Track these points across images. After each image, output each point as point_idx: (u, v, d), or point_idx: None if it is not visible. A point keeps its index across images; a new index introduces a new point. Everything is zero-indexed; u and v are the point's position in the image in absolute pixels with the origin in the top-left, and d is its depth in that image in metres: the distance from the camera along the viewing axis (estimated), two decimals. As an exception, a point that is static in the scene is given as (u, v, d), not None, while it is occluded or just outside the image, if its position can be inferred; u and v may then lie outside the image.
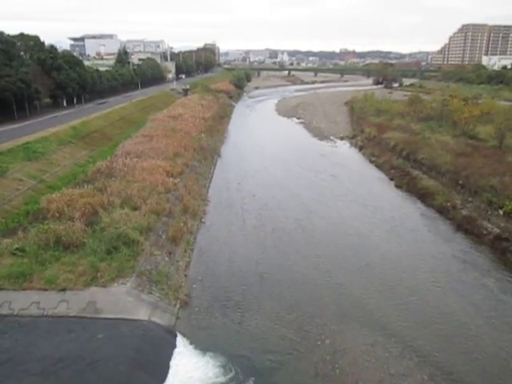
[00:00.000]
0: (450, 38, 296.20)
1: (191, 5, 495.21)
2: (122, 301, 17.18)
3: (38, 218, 23.20)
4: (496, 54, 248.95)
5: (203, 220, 29.78)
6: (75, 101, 68.88)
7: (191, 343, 16.43)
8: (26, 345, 14.67)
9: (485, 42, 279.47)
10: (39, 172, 31.95)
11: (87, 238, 20.95)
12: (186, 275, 21.77)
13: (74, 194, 25.59)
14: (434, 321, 18.51)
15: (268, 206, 32.86)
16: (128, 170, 32.11)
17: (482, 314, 19.12)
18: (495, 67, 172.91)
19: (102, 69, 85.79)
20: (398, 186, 38.09)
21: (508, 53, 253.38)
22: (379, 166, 44.60)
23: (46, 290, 17.33)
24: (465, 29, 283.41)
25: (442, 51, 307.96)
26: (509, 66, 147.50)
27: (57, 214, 22.90)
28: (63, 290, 17.35)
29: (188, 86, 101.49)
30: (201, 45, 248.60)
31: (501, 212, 27.07)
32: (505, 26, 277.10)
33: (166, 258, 22.04)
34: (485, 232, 26.72)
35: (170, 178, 31.47)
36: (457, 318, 18.75)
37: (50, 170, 33.29)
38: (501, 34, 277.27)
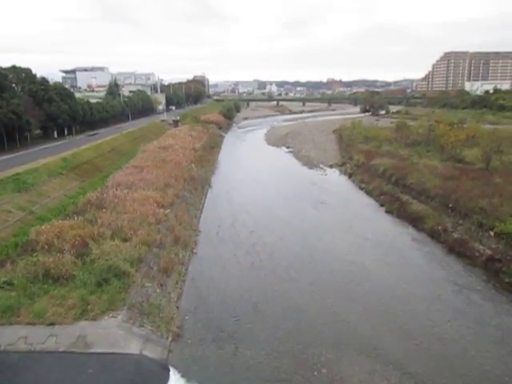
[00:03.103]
0: (434, 65, 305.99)
1: (181, 38, 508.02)
2: (113, 334, 16.75)
3: (27, 250, 22.82)
4: (478, 80, 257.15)
5: (195, 250, 29.50)
6: (66, 132, 69.13)
7: (184, 376, 15.97)
8: (13, 382, 14.14)
9: (467, 68, 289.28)
10: (29, 203, 31.64)
11: (77, 271, 20.60)
12: (177, 307, 21.36)
13: (64, 225, 25.30)
14: (431, 346, 18.28)
15: (259, 234, 32.71)
16: (119, 201, 31.93)
17: (480, 338, 18.94)
18: (478, 92, 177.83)
19: (92, 100, 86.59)
20: (388, 212, 38.29)
21: (490, 78, 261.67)
22: (369, 193, 44.90)
23: (34, 324, 16.85)
24: (447, 56, 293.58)
25: (426, 78, 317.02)
26: (491, 91, 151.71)
27: (46, 246, 22.55)
28: (52, 324, 16.89)
29: (178, 117, 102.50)
30: (190, 77, 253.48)
31: (492, 233, 27.24)
32: (485, 53, 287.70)
33: (158, 290, 21.67)
34: (477, 254, 26.81)
35: (161, 209, 31.31)
36: (455, 343, 18.55)
37: (40, 201, 33.00)
38: (481, 61, 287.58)
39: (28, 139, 58.21)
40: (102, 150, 55.73)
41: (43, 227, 25.17)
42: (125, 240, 24.71)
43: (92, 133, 73.49)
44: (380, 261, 27.67)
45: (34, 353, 15.61)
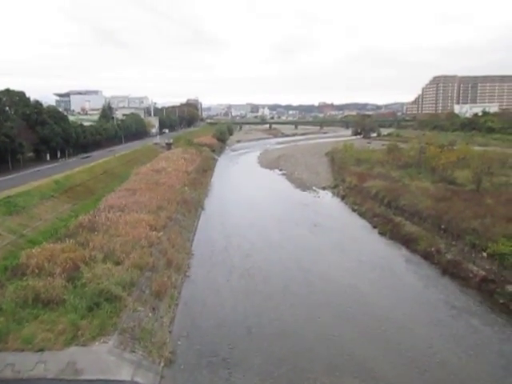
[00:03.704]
0: (423, 88, 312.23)
1: (175, 62, 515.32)
2: (104, 360, 16.36)
3: (17, 273, 22.43)
4: (467, 103, 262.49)
5: (188, 274, 29.20)
6: (59, 155, 69.08)
7: (177, 404, 15.59)
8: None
9: (455, 91, 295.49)
10: (20, 226, 31.29)
11: (68, 295, 20.22)
12: (170, 331, 20.99)
13: (55, 248, 24.99)
14: (427, 369, 18.04)
15: (254, 258, 32.48)
16: (111, 223, 31.69)
17: (478, 360, 18.77)
18: (467, 115, 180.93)
19: (86, 124, 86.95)
20: (381, 233, 38.33)
21: (478, 101, 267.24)
22: (362, 214, 45.01)
23: (22, 350, 16.44)
24: (436, 80, 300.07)
25: (416, 101, 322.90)
26: (480, 114, 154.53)
27: (36, 270, 22.20)
28: (41, 350, 16.48)
29: (171, 140, 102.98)
30: (184, 100, 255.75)
31: (485, 254, 27.30)
32: (473, 77, 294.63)
33: (150, 314, 21.32)
34: (471, 275, 26.80)
35: (154, 232, 31.10)
36: (452, 366, 18.32)
37: (31, 224, 32.66)
38: (470, 84, 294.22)
39: (20, 162, 58.02)
40: (94, 173, 55.63)
41: (34, 250, 24.82)
42: (117, 263, 24.43)
43: (85, 155, 73.49)
44: (375, 283, 27.53)
45: (22, 380, 15.17)
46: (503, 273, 25.30)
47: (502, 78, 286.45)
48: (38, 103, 67.54)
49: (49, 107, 77.96)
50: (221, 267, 30.61)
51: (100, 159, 66.59)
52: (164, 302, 23.37)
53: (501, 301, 23.81)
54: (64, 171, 51.84)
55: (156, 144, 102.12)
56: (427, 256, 31.16)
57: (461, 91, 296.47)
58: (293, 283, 27.65)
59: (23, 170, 54.34)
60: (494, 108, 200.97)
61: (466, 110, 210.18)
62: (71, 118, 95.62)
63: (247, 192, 61.38)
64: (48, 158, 66.97)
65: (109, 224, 31.53)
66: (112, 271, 22.73)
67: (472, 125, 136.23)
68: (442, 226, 33.36)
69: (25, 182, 43.30)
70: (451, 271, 28.23)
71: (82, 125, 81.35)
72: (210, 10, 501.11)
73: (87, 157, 71.71)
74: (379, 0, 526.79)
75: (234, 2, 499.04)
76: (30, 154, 65.18)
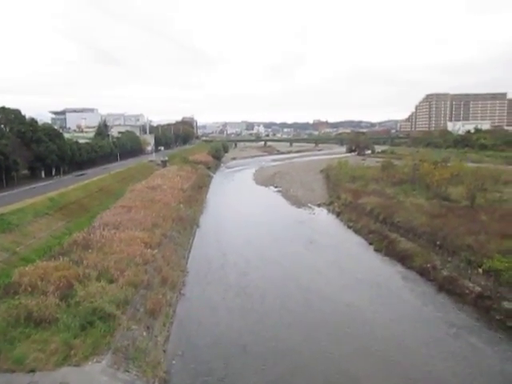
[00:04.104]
0: (416, 106, 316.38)
1: (171, 80, 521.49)
2: (97, 380, 16.03)
3: (10, 292, 22.06)
4: (459, 120, 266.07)
5: (182, 291, 28.96)
6: (53, 172, 68.92)
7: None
8: None
9: (448, 109, 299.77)
10: (13, 244, 30.99)
11: (61, 313, 19.89)
12: (165, 350, 20.70)
13: (49, 266, 24.70)
14: (424, 388, 17.87)
15: (249, 275, 32.27)
16: (105, 241, 31.43)
17: (479, 380, 18.60)
18: (460, 132, 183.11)
19: (81, 141, 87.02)
20: (377, 250, 38.31)
21: (470, 118, 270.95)
22: (357, 231, 45.03)
23: (13, 371, 16.07)
24: (429, 98, 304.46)
25: (409, 119, 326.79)
26: (472, 131, 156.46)
27: (29, 288, 21.88)
28: (32, 370, 16.10)
29: (166, 158, 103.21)
30: (179, 118, 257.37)
31: (480, 270, 27.29)
32: (465, 95, 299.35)
33: (144, 333, 21.02)
34: (467, 291, 26.75)
35: (149, 249, 30.83)
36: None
37: (25, 242, 32.36)
38: (462, 102, 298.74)
39: (15, 179, 57.82)
40: (89, 190, 55.46)
41: (27, 269, 24.50)
42: (111, 281, 24.16)
43: (80, 173, 73.34)
44: (372, 301, 27.35)
45: (13, 402, 14.84)
46: (499, 289, 25.28)
47: (494, 96, 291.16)
48: (33, 121, 67.67)
49: (44, 125, 78.15)
50: (216, 285, 30.38)
51: (95, 177, 66.47)
52: (159, 320, 23.09)
53: (497, 317, 23.74)
54: (59, 189, 51.63)
55: (151, 161, 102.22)
56: (423, 272, 31.11)
57: (453, 109, 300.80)
58: (289, 301, 27.45)
59: (17, 188, 54.11)
60: (486, 125, 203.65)
61: (458, 128, 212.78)
62: (67, 135, 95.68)
63: (242, 209, 61.34)
64: (43, 175, 66.81)
65: (103, 241, 31.27)
66: (106, 289, 22.46)
67: (465, 142, 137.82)
68: (438, 243, 33.41)
69: (19, 199, 43.04)
70: (447, 288, 28.18)
71: (77, 142, 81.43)
72: (206, 29, 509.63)
73: (82, 174, 71.58)
74: (374, 20, 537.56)
75: (229, 21, 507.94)
76: (25, 172, 65.02)
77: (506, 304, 24.11)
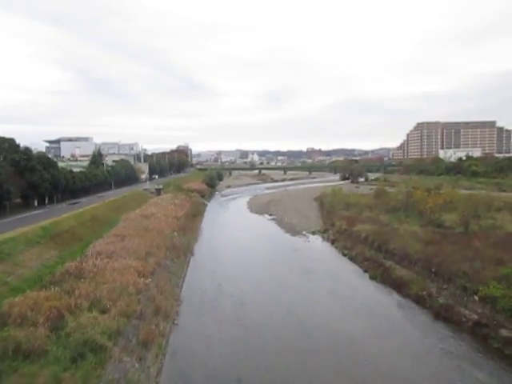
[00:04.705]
0: (408, 134, 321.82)
1: (165, 109, 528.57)
2: (86, 416, 15.52)
3: (-2, 324, 21.59)
4: (451, 148, 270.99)
5: (176, 321, 28.41)
6: (47, 201, 68.53)
7: None
8: None
9: (439, 137, 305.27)
10: (3, 274, 30.40)
11: (51, 345, 19.42)
12: (157, 382, 20.16)
13: (39, 297, 24.23)
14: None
15: (245, 306, 31.76)
16: (98, 270, 31.02)
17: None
18: (452, 159, 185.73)
19: (75, 170, 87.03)
20: (372, 278, 38.06)
21: (461, 146, 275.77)
22: (352, 259, 44.83)
23: (-1, 407, 15.57)
24: (420, 126, 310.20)
25: (401, 147, 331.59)
26: (464, 158, 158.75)
27: (19, 320, 21.36)
28: (19, 406, 15.62)
29: (161, 186, 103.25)
30: (174, 146, 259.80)
31: (476, 298, 27.14)
32: (455, 123, 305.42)
33: (136, 365, 20.49)
34: (464, 319, 26.50)
35: (142, 278, 30.45)
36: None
37: (15, 271, 31.81)
38: (452, 130, 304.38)
39: (7, 208, 57.39)
40: (82, 219, 55.05)
41: (17, 299, 23.97)
42: (103, 311, 23.72)
43: (74, 201, 72.97)
44: (371, 332, 26.82)
45: None
46: (496, 316, 25.08)
47: (483, 124, 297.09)
48: (27, 150, 67.79)
49: (38, 153, 78.40)
50: (211, 315, 29.87)
51: (89, 205, 66.11)
52: (151, 351, 22.57)
53: (495, 345, 23.47)
54: (52, 217, 51.24)
55: (146, 190, 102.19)
56: (419, 300, 30.85)
57: (444, 137, 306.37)
58: (286, 332, 26.90)
59: (10, 217, 53.65)
60: (477, 152, 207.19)
61: (450, 155, 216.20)
62: (61, 164, 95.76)
63: (237, 237, 61.04)
64: (36, 203, 66.41)
65: (96, 271, 30.86)
66: (98, 320, 22.02)
67: (457, 169, 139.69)
68: (433, 270, 33.29)
69: (11, 228, 42.60)
70: (444, 315, 27.92)
71: (71, 171, 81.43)
72: (201, 61, 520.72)
73: (76, 203, 71.19)
74: (364, 52, 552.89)
75: (222, 52, 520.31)
76: (18, 200, 64.61)
77: (503, 332, 23.89)
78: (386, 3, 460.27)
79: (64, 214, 54.53)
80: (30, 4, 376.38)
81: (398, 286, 34.05)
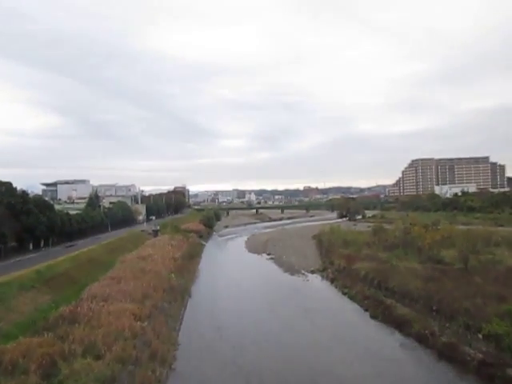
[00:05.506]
0: (403, 171, 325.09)
1: (162, 151, 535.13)
2: None
3: (-12, 372, 20.89)
4: (446, 183, 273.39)
5: (173, 366, 27.45)
6: (42, 244, 68.00)
7: None
8: None
9: (434, 173, 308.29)
10: (-5, 320, 29.71)
11: (42, 394, 18.77)
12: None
13: (32, 343, 23.64)
14: None
15: (244, 349, 30.77)
16: (93, 314, 30.45)
17: None
18: (447, 195, 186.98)
19: (72, 212, 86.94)
20: (373, 317, 37.27)
21: (456, 182, 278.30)
22: (352, 297, 44.09)
23: None
24: (414, 163, 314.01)
25: (397, 184, 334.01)
26: (459, 194, 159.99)
27: (10, 367, 20.75)
28: None
29: (158, 227, 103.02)
30: (171, 187, 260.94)
31: (480, 336, 26.57)
32: (449, 159, 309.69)
33: (131, 413, 19.72)
34: (468, 358, 25.72)
35: (138, 322, 29.89)
36: None
37: (8, 317, 31.08)
38: (447, 166, 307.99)
39: (1, 252, 56.81)
40: (78, 262, 54.43)
41: (8, 346, 23.39)
42: (98, 357, 23.08)
43: (70, 244, 72.45)
44: (376, 375, 25.85)
45: None
46: (501, 355, 24.48)
47: (476, 160, 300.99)
48: (24, 193, 68.12)
49: (35, 196, 78.57)
50: (209, 359, 28.94)
51: (85, 247, 65.60)
52: (147, 399, 21.73)
53: (502, 386, 22.75)
54: (46, 260, 50.68)
55: (142, 231, 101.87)
56: (421, 339, 30.08)
57: (439, 173, 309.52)
58: (290, 377, 25.93)
59: (4, 261, 53.03)
60: (472, 188, 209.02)
61: (446, 191, 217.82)
62: (57, 206, 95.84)
63: (236, 278, 60.22)
64: (31, 247, 65.82)
65: (91, 315, 30.31)
66: (92, 366, 21.41)
67: (453, 204, 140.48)
68: (434, 307, 32.78)
69: (4, 272, 42.04)
70: (448, 355, 27.10)
71: (67, 213, 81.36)
72: (198, 101, 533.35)
73: (72, 245, 70.67)
74: (358, 93, 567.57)
75: (219, 94, 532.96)
76: (13, 244, 64.07)
77: (510, 372, 23.21)
78: (376, 47, 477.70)
79: (60, 257, 53.99)
80: (29, 52, 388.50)
81: (400, 325, 33.30)
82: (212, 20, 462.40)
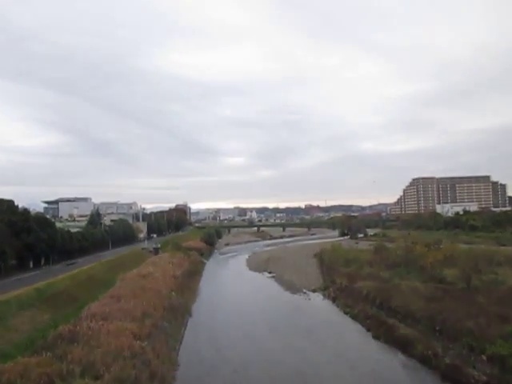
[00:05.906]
0: (404, 190, 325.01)
1: (164, 169, 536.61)
2: None
3: (-15, 393, 20.62)
4: (447, 202, 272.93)
5: (172, 387, 27.15)
6: (43, 262, 67.77)
7: None
8: None
9: (435, 192, 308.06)
10: (-7, 340, 29.45)
11: (39, 416, 18.46)
12: None
13: (30, 363, 23.34)
14: None
15: (246, 372, 30.19)
16: (92, 333, 30.10)
17: None
18: (449, 214, 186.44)
19: (73, 230, 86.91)
20: (375, 337, 36.78)
21: (458, 200, 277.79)
22: (354, 317, 43.63)
23: None
24: (416, 182, 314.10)
25: (398, 202, 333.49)
26: (461, 212, 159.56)
27: (7, 388, 20.50)
28: None
29: (159, 245, 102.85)
30: (173, 205, 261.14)
31: (484, 357, 26.19)
32: (450, 178, 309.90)
33: None
34: (472, 380, 25.26)
35: (138, 341, 29.49)
36: None
37: (6, 336, 30.81)
38: (448, 185, 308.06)
39: (1, 270, 56.60)
40: (78, 280, 54.16)
41: (6, 366, 23.08)
42: (96, 377, 22.78)
43: (70, 262, 72.18)
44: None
45: None
46: (506, 377, 24.09)
47: (477, 179, 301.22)
48: (25, 211, 68.30)
49: (36, 214, 78.71)
50: (210, 380, 28.56)
51: (85, 265, 65.35)
52: (145, 421, 21.36)
53: (508, 409, 22.34)
54: (47, 279, 50.47)
55: (143, 249, 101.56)
56: (425, 360, 29.60)
57: (440, 192, 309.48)
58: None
59: (4, 279, 52.79)
60: (473, 207, 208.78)
61: (447, 210, 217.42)
62: (58, 224, 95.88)
63: (236, 297, 59.77)
64: (31, 265, 65.56)
65: (90, 334, 29.95)
66: (90, 387, 21.10)
67: (455, 223, 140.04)
68: (437, 328, 32.41)
69: (5, 291, 41.81)
70: (451, 376, 26.63)
71: (68, 231, 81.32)
72: (200, 120, 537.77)
73: (72, 263, 70.42)
74: (359, 112, 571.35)
75: (222, 113, 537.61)
76: (13, 262, 63.87)
77: (515, 393, 22.83)
78: (376, 67, 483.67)
79: (60, 275, 53.79)
80: (31, 70, 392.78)
81: (403, 346, 32.82)
82: (214, 40, 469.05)
